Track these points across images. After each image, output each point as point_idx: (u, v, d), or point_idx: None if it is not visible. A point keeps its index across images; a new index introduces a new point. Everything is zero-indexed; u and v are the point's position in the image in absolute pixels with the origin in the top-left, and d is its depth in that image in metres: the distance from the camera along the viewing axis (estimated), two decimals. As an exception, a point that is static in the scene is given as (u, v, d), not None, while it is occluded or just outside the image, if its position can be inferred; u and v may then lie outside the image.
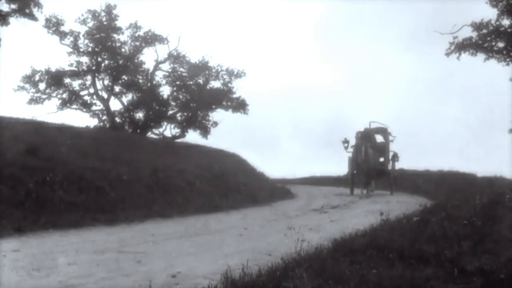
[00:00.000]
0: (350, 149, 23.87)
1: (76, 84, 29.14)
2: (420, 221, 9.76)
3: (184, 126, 30.28)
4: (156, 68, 29.93)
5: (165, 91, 30.15)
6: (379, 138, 26.67)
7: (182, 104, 29.93)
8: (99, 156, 15.67)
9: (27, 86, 28.37)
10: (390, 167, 25.71)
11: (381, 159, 25.99)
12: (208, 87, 29.96)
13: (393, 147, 26.12)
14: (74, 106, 29.17)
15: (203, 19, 51.42)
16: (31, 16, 23.09)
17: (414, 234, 7.90)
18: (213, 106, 29.93)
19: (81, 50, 28.80)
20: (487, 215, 10.07)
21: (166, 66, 30.10)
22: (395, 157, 25.61)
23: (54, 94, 28.78)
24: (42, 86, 28.55)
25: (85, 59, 28.90)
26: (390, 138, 26.18)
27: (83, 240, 9.16)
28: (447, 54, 24.25)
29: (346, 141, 24.01)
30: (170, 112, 30.27)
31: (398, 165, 27.17)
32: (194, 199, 15.74)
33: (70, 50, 28.76)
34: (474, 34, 23.77)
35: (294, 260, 6.52)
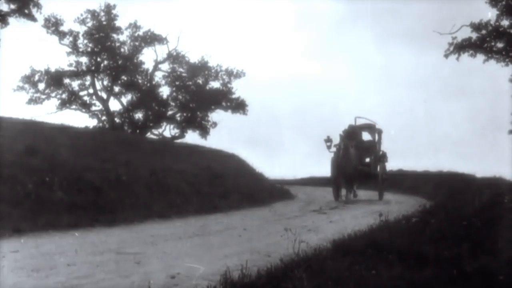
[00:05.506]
0: (334, 149, 21.55)
1: (75, 84, 29.14)
2: (419, 222, 9.76)
3: (184, 126, 30.28)
4: (156, 68, 29.93)
5: (165, 91, 30.18)
6: (366, 136, 24.04)
7: (181, 105, 29.93)
8: (98, 157, 15.66)
9: (26, 86, 28.35)
10: (379, 168, 22.90)
11: (367, 160, 23.47)
12: (207, 88, 29.98)
13: (384, 146, 23.63)
14: (74, 107, 29.16)
15: (203, 19, 51.38)
16: (30, 17, 23.09)
17: (413, 235, 7.90)
18: (213, 107, 29.94)
19: (81, 50, 28.79)
20: (487, 216, 10.06)
21: (166, 66, 30.12)
22: (383, 157, 23.08)
23: (53, 94, 28.77)
24: (41, 86, 28.55)
25: (84, 59, 28.89)
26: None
27: (82, 241, 9.16)
28: (446, 55, 24.12)
29: (329, 140, 21.61)
30: (170, 112, 30.28)
31: (396, 166, 25.92)
32: (194, 200, 15.74)
33: (69, 50, 28.77)
34: (474, 35, 23.74)
35: (293, 261, 6.51)
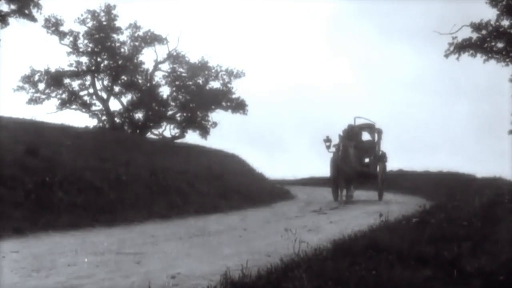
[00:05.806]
0: (333, 149, 20.98)
1: (75, 84, 29.26)
2: (420, 222, 9.76)
3: (184, 126, 30.31)
4: (156, 68, 29.97)
5: (165, 91, 30.26)
6: (366, 136, 23.76)
7: (181, 105, 29.97)
8: (99, 157, 15.67)
9: (26, 86, 28.43)
10: (378, 168, 22.48)
11: (367, 160, 23.18)
12: (207, 88, 30.01)
13: (383, 146, 23.30)
14: (74, 106, 29.23)
15: (203, 19, 51.47)
16: (30, 17, 23.09)
17: (413, 235, 7.89)
18: (213, 107, 29.98)
19: (81, 50, 28.83)
20: (487, 216, 10.06)
21: (166, 66, 30.19)
22: (383, 157, 22.73)
23: (53, 94, 28.84)
24: (41, 86, 28.65)
25: (84, 59, 28.98)
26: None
27: (83, 241, 9.16)
28: (446, 56, 24.10)
29: (328, 140, 21.01)
30: (170, 112, 30.32)
31: (396, 166, 25.61)
32: (194, 200, 15.75)
33: (69, 50, 28.84)
34: (474, 35, 23.72)
35: (293, 261, 6.51)
